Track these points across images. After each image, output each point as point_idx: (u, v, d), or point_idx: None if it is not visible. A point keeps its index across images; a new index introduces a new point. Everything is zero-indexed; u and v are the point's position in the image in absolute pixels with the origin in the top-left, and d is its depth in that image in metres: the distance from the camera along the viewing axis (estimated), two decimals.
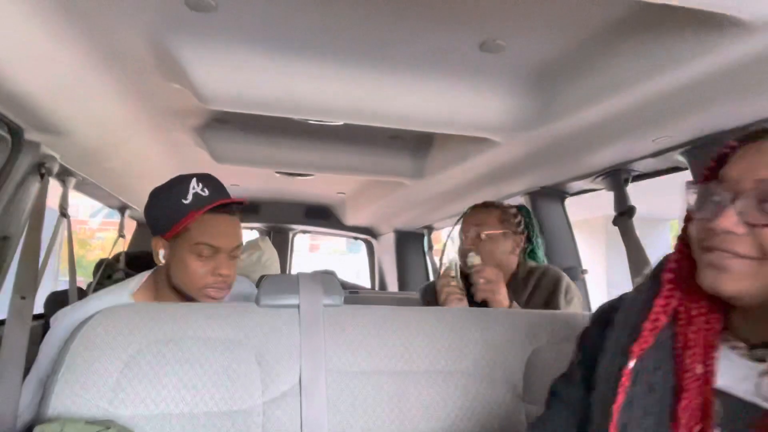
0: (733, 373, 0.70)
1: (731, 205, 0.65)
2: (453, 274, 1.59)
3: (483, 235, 1.68)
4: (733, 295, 0.66)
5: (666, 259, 0.79)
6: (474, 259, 1.58)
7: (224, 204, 1.26)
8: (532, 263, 1.78)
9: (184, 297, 1.29)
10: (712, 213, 0.67)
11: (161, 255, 1.27)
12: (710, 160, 0.75)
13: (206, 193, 1.26)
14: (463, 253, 1.70)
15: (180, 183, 1.27)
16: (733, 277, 0.65)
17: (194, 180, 1.26)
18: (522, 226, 1.77)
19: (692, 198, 0.72)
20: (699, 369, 0.70)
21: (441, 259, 1.97)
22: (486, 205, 1.79)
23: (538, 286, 1.68)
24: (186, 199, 1.24)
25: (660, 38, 1.00)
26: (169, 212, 1.25)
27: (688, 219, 0.76)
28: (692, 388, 0.69)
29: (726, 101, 1.13)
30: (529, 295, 1.67)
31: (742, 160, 0.68)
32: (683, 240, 0.76)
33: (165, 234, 1.26)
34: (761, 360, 0.68)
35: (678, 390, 0.70)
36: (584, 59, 1.17)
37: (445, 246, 1.95)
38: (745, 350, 0.70)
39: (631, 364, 0.71)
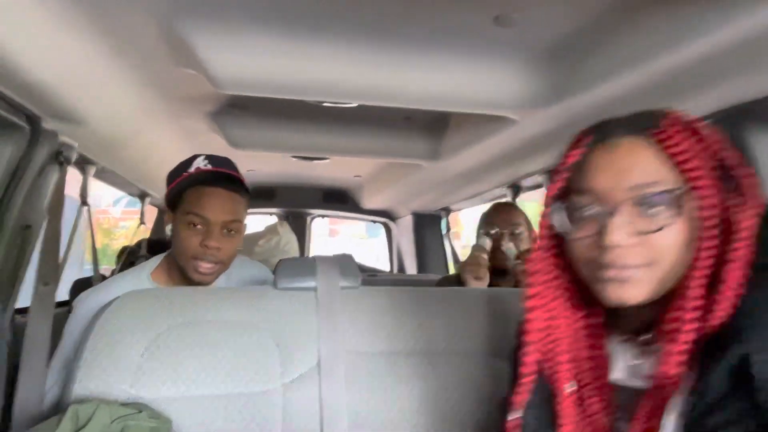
0: (618, 363, 0.72)
1: (612, 218, 0.63)
2: (487, 249, 1.68)
3: (518, 232, 1.79)
4: (638, 303, 0.66)
5: None
6: (511, 247, 1.68)
7: (220, 178, 1.28)
8: None
9: (187, 276, 1.30)
10: (595, 230, 0.66)
11: (168, 228, 1.31)
12: (555, 174, 0.72)
13: (209, 168, 1.29)
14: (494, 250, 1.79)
15: (190, 159, 1.31)
16: (636, 285, 0.64)
17: (202, 157, 1.30)
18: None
19: (561, 218, 0.70)
20: (568, 388, 0.72)
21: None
22: (513, 206, 1.92)
23: None
24: (188, 171, 1.29)
25: (680, 8, 0.96)
26: (172, 185, 1.30)
27: (546, 235, 0.74)
28: (569, 413, 0.71)
29: (747, 72, 1.08)
30: None
31: (604, 168, 0.66)
32: (541, 259, 0.75)
33: (168, 205, 1.32)
34: (645, 344, 0.70)
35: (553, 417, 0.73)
36: (601, 32, 1.14)
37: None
38: (626, 338, 0.73)
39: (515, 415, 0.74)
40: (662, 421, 0.62)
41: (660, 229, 0.63)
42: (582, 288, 0.74)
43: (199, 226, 1.25)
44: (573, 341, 0.74)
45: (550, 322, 0.74)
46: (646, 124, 0.67)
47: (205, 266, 1.26)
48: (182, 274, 1.31)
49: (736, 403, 0.56)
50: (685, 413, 0.61)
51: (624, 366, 0.72)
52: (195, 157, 1.31)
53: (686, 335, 0.61)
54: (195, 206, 1.25)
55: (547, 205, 0.73)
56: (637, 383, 0.69)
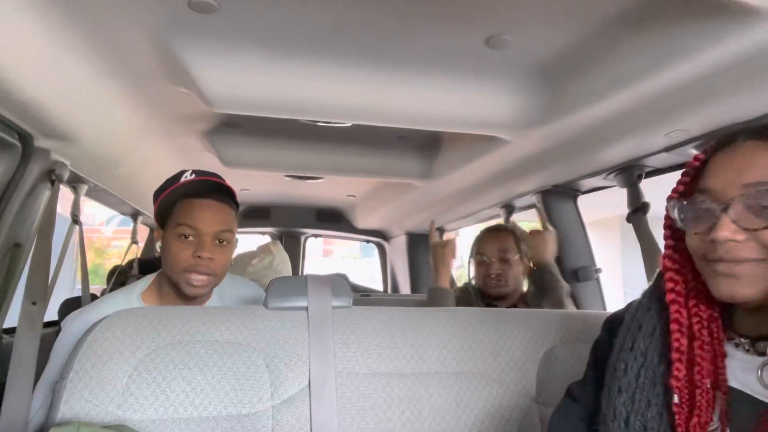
0: (737, 369, 0.71)
1: (724, 214, 0.65)
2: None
3: (507, 258, 1.80)
4: (749, 299, 0.66)
5: (659, 277, 0.79)
6: None
7: (209, 189, 1.28)
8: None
9: (180, 293, 1.28)
10: (708, 226, 0.68)
11: (158, 246, 1.30)
12: (683, 176, 0.76)
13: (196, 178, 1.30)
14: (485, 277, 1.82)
15: (176, 175, 1.31)
16: (748, 282, 0.65)
17: (189, 171, 1.31)
18: (526, 251, 1.89)
19: (679, 213, 0.73)
20: (708, 383, 0.70)
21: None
22: (502, 229, 1.92)
23: None
24: (175, 186, 1.29)
25: (669, 29, 0.98)
26: (160, 198, 1.30)
27: (671, 236, 0.77)
28: (703, 403, 0.69)
29: (739, 91, 1.10)
30: None
31: (722, 168, 0.69)
32: (671, 256, 0.76)
33: (156, 220, 1.31)
34: (763, 353, 0.68)
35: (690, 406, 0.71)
36: (592, 52, 1.15)
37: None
38: (748, 345, 0.71)
39: (676, 399, 0.71)
40: None
41: None
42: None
43: (190, 238, 1.25)
44: (707, 339, 0.73)
45: (689, 319, 0.74)
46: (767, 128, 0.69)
47: (198, 278, 1.25)
48: (174, 294, 1.30)
49: None
50: None
51: (737, 372, 0.70)
52: (182, 172, 1.31)
53: None
54: (186, 218, 1.25)
55: (669, 203, 0.75)
56: (752, 392, 0.68)
